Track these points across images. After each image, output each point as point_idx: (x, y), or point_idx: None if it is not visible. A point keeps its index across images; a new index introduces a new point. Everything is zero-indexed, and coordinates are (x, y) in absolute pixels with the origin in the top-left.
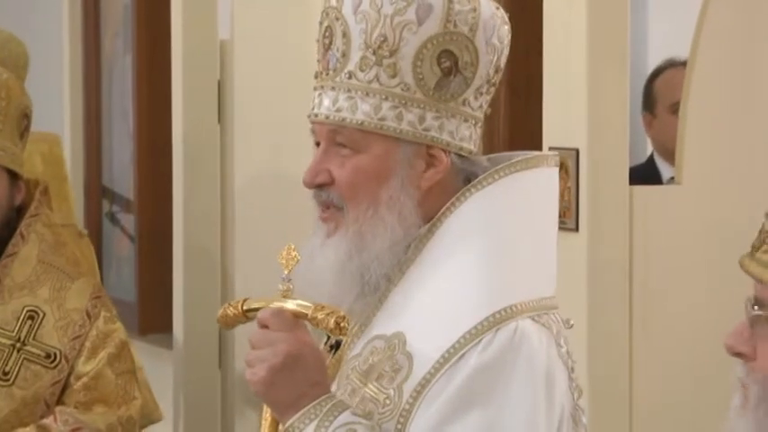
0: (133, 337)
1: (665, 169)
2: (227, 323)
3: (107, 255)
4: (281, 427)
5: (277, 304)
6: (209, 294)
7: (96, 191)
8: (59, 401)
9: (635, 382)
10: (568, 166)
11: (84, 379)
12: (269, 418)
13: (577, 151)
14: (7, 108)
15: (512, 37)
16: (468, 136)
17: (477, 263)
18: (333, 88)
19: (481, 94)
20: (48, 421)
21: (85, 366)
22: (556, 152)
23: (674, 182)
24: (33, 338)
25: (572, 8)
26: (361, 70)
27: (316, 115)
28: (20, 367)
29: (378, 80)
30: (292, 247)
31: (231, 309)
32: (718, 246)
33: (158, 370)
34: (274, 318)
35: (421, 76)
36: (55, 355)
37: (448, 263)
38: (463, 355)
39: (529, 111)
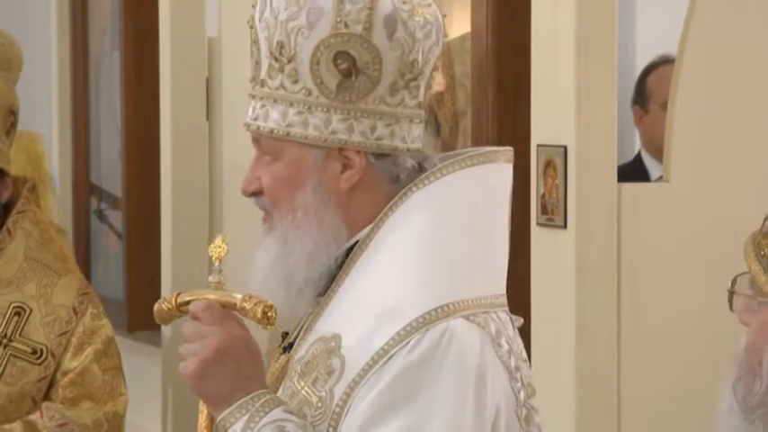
0: (121, 334)
1: (652, 167)
2: (163, 318)
3: (95, 252)
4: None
5: (208, 296)
6: None
7: (84, 188)
8: (46, 397)
9: (623, 380)
10: (556, 163)
11: (71, 375)
12: (205, 411)
13: (565, 148)
14: None
15: (500, 35)
16: (387, 134)
17: (411, 264)
18: (253, 96)
19: (397, 90)
20: (34, 417)
21: (72, 362)
22: (509, 147)
23: (662, 180)
24: (20, 335)
25: (560, 6)
26: (270, 78)
27: (243, 124)
28: (6, 363)
29: (283, 87)
30: (221, 238)
31: (165, 303)
32: (707, 243)
33: (147, 367)
34: (205, 311)
35: (320, 80)
36: (41, 351)
37: (383, 263)
38: (391, 356)
39: (517, 108)
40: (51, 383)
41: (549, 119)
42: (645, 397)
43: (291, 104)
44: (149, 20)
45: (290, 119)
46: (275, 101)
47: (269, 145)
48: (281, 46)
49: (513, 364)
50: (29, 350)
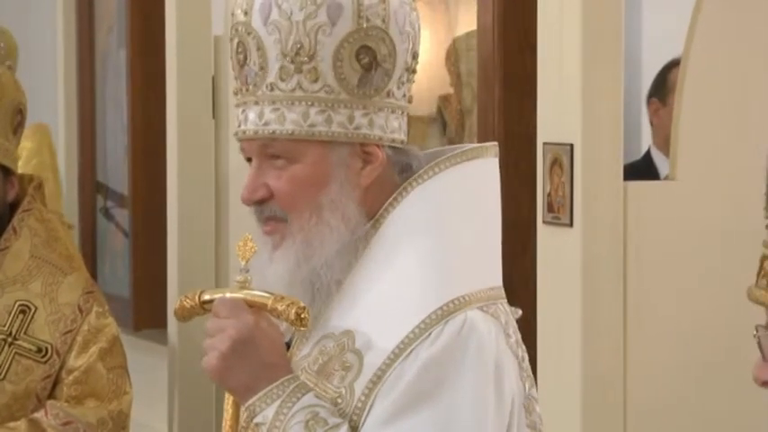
0: (127, 332)
1: (662, 164)
2: (184, 315)
3: (101, 250)
4: (242, 410)
5: (234, 295)
6: None
7: (90, 186)
8: (51, 396)
9: (629, 378)
10: (563, 161)
11: (76, 373)
12: (230, 411)
13: (572, 146)
14: (0, 104)
15: (506, 32)
16: (397, 127)
17: (422, 257)
18: (256, 102)
19: (403, 83)
20: (39, 415)
21: (77, 361)
22: (495, 143)
23: (668, 178)
24: (25, 333)
25: (566, 4)
26: (282, 80)
27: (244, 132)
28: (11, 362)
29: (300, 87)
30: (249, 237)
31: (188, 300)
32: (712, 242)
33: (153, 366)
34: (221, 305)
35: (343, 76)
36: (46, 349)
37: (393, 258)
38: (413, 349)
39: (523, 107)
40: (56, 382)
41: (556, 117)
42: (651, 394)
43: (312, 104)
44: (156, 18)
45: (312, 118)
46: (292, 102)
47: (284, 148)
48: (299, 46)
49: (520, 354)
50: (34, 348)
